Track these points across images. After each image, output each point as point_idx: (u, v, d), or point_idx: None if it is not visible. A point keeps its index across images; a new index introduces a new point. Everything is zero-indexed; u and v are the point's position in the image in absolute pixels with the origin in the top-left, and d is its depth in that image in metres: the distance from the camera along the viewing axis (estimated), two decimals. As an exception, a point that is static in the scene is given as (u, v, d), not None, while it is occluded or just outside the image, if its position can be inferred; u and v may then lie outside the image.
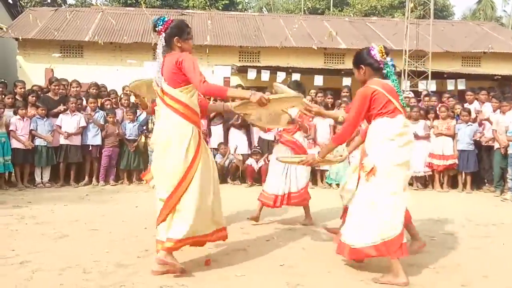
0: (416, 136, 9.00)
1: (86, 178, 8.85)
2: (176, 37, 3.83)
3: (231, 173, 9.28)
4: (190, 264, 3.99)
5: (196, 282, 3.59)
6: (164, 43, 3.84)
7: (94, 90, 9.55)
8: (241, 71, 15.67)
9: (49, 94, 9.14)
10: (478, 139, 8.90)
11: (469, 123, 8.93)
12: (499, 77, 15.33)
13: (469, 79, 15.01)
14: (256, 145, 9.43)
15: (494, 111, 8.78)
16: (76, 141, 8.70)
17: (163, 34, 3.83)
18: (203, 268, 3.91)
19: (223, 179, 8.48)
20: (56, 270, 3.82)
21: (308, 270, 3.89)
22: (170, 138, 3.74)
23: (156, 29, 3.86)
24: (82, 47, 16.24)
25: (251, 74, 14.69)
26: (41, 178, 8.52)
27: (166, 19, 3.88)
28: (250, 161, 9.06)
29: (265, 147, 9.28)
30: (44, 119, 8.52)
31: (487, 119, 8.89)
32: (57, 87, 9.08)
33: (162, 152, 3.80)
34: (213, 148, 9.13)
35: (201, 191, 3.73)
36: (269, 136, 9.28)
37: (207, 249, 4.45)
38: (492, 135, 8.64)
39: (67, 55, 16.15)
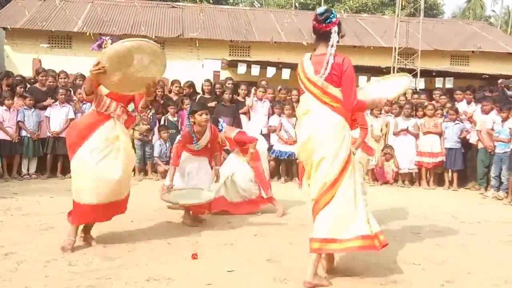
0: (408, 132, 9.11)
1: (73, 170, 8.75)
2: (340, 34, 3.73)
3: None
4: (177, 257, 3.98)
5: (182, 276, 3.58)
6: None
7: (81, 81, 9.44)
8: (231, 65, 15.61)
9: (37, 85, 9.02)
10: (462, 137, 8.97)
11: (456, 121, 9.00)
12: (487, 76, 15.45)
13: (457, 77, 15.12)
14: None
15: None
16: (64, 132, 8.60)
17: (335, 28, 3.66)
18: (190, 261, 3.90)
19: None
20: (41, 262, 3.79)
21: (295, 264, 3.88)
22: (334, 136, 3.54)
23: (328, 21, 3.67)
24: (71, 37, 16.05)
25: (241, 69, 14.61)
26: (28, 170, 8.44)
27: (335, 13, 3.72)
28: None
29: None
30: (32, 110, 8.41)
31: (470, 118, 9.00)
32: (44, 78, 8.96)
33: (319, 149, 3.56)
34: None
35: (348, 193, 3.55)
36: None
37: (195, 243, 4.46)
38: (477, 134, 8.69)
39: (55, 46, 15.95)
